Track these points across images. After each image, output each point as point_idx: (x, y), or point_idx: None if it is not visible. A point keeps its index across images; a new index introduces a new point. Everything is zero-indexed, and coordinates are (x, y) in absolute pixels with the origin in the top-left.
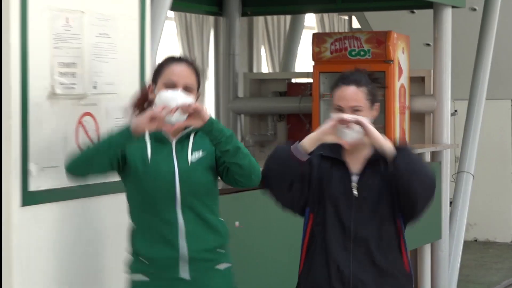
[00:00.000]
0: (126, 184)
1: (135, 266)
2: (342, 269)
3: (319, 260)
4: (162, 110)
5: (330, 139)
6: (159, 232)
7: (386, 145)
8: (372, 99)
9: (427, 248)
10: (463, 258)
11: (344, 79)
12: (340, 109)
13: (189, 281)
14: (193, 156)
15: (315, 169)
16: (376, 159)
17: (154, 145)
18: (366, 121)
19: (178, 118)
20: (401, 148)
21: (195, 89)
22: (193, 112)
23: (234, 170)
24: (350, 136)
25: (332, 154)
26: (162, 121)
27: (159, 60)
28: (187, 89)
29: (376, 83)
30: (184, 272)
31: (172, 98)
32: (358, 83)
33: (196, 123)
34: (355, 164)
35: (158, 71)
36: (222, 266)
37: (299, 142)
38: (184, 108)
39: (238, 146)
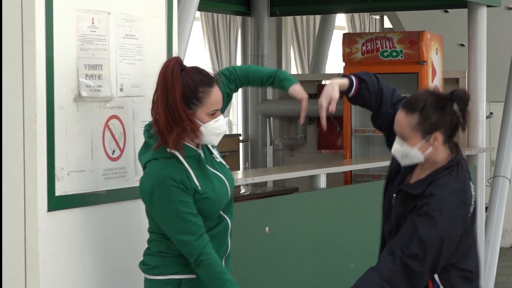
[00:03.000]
0: None
1: (181, 265)
2: None
3: None
4: None
5: None
6: (210, 233)
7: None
8: (426, 129)
9: None
10: (499, 266)
11: (404, 102)
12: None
13: None
14: (220, 157)
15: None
16: (413, 194)
17: (196, 169)
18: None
19: None
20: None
21: None
22: None
23: None
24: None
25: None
26: None
27: (187, 80)
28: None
29: (444, 109)
30: (226, 267)
31: (219, 126)
32: (411, 109)
33: None
34: (412, 179)
35: (194, 97)
36: None
37: None
38: None
39: None
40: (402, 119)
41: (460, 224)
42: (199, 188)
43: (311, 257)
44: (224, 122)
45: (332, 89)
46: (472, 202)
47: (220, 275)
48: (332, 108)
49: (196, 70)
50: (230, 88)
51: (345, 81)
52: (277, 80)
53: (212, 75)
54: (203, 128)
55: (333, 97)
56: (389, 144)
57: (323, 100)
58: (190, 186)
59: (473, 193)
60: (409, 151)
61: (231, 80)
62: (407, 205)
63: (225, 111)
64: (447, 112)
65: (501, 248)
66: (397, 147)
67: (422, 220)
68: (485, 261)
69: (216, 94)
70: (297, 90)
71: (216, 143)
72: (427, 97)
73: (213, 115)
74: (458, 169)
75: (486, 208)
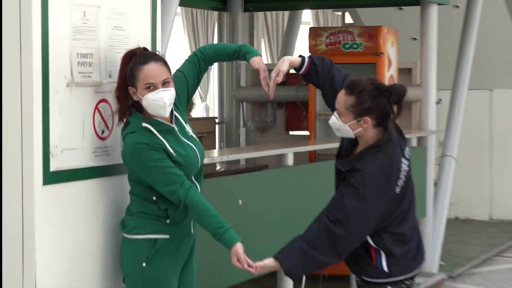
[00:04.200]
0: None
1: (156, 226)
2: None
3: None
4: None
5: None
6: None
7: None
8: (358, 111)
9: None
10: (445, 234)
11: (347, 83)
12: None
13: (193, 236)
14: (192, 132)
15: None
16: (347, 167)
17: (170, 139)
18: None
19: None
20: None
21: (171, 76)
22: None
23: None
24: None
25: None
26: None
27: (132, 63)
28: (165, 83)
29: (378, 98)
30: (192, 229)
31: (158, 99)
32: (350, 91)
33: None
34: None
35: (132, 75)
36: None
37: None
38: None
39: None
40: (341, 98)
41: (384, 196)
42: (174, 155)
43: (280, 227)
44: (166, 94)
45: (282, 63)
46: (402, 176)
47: (205, 213)
48: (279, 78)
49: (143, 54)
50: (201, 67)
51: (296, 59)
52: (241, 53)
53: (155, 55)
54: (144, 101)
55: (280, 69)
56: None
57: (273, 72)
58: (164, 150)
59: (405, 168)
60: (341, 126)
61: (201, 59)
62: (339, 178)
63: (203, 96)
64: (380, 101)
65: (447, 219)
66: (334, 120)
67: (348, 191)
68: (433, 230)
69: (148, 69)
70: (256, 61)
71: (164, 114)
72: (366, 84)
73: (149, 88)
74: (387, 147)
75: (435, 184)
